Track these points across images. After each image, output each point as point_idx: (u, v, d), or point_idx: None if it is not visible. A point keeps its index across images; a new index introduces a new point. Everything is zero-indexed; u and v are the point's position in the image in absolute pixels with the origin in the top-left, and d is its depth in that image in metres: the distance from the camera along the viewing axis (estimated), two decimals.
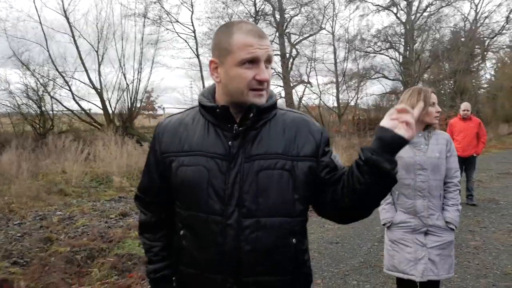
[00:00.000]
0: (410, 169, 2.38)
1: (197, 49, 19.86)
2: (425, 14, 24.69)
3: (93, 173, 9.58)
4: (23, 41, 14.70)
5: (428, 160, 2.36)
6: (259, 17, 21.17)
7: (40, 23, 13.97)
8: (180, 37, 19.60)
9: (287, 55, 22.25)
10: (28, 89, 16.31)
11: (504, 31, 26.01)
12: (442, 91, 26.55)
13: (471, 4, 26.16)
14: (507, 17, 25.24)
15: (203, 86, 20.12)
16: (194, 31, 19.66)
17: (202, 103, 1.24)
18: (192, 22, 19.68)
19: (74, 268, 4.11)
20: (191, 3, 19.15)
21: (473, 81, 26.55)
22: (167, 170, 1.26)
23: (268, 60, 1.17)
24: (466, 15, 26.21)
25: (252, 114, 1.16)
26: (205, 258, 1.20)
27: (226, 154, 1.18)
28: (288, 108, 1.33)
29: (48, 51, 14.51)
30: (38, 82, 15.58)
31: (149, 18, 17.31)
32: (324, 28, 23.00)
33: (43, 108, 16.68)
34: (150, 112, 26.19)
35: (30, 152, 9.69)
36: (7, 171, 8.35)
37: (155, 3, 17.86)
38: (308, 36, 22.58)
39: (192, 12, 19.50)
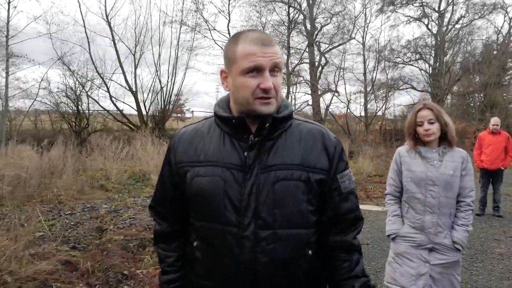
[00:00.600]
0: (421, 184, 2.37)
1: None
2: (457, 26, 24.61)
3: (130, 171, 10.20)
4: (66, 43, 15.64)
5: (441, 177, 2.34)
6: (292, 26, 21.65)
7: (84, 26, 14.87)
8: (217, 44, 20.36)
9: (316, 63, 22.61)
10: (67, 89, 17.32)
11: None
12: (472, 104, 26.33)
13: (504, 17, 25.78)
14: None
15: None
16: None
17: (217, 113, 1.25)
18: (228, 30, 20.41)
19: (129, 254, 4.60)
20: (229, 12, 19.94)
21: (504, 94, 26.20)
22: (181, 181, 1.25)
23: (274, 68, 1.16)
24: (499, 28, 25.98)
25: (267, 124, 1.17)
26: (220, 270, 1.19)
27: (242, 164, 1.18)
28: (304, 119, 1.33)
29: (90, 53, 15.35)
30: (77, 82, 16.48)
31: (187, 25, 18.07)
32: (354, 38, 23.29)
33: (79, 107, 17.65)
34: (179, 114, 27.03)
35: (74, 149, 10.38)
36: (55, 166, 9.04)
37: (195, 11, 18.66)
38: (338, 45, 22.91)
39: (229, 20, 20.32)
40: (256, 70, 1.13)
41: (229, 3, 20.30)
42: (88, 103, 17.82)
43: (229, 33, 20.54)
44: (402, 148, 2.60)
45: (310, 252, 1.21)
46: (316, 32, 22.35)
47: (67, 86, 17.22)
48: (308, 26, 22.18)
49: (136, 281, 3.92)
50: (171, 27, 17.30)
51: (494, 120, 6.96)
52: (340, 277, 1.27)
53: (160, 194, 1.36)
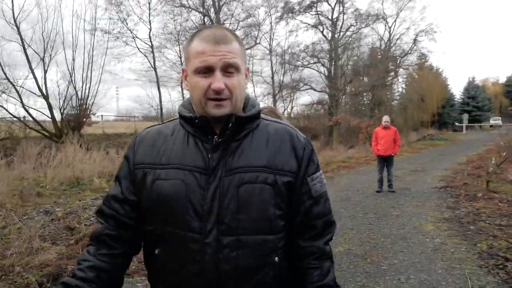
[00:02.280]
0: None
1: (154, 63, 21.56)
2: (348, 33, 28.14)
3: (62, 177, 10.44)
4: None
5: None
6: None
7: None
8: (140, 52, 21.08)
9: None
10: None
11: (412, 51, 30.60)
12: (362, 102, 30.33)
13: (385, 26, 30.15)
14: (414, 39, 29.78)
15: (160, 98, 21.55)
16: (152, 46, 21.34)
17: (181, 113, 1.20)
18: (150, 38, 21.29)
19: None
20: (149, 21, 21.05)
21: (388, 94, 30.67)
22: (140, 183, 1.19)
23: (228, 68, 1.10)
24: (381, 35, 30.36)
25: (230, 124, 1.12)
26: (184, 278, 1.14)
27: (205, 167, 1.12)
28: (273, 119, 1.28)
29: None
30: None
31: (112, 34, 18.30)
32: (259, 43, 25.25)
33: None
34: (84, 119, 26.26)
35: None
36: None
37: (121, 21, 19.03)
38: (245, 49, 24.60)
39: (150, 29, 21.22)
40: (207, 70, 1.09)
41: (149, 12, 20.94)
42: None
43: (150, 41, 21.29)
44: None
45: (277, 259, 1.15)
46: None
47: None
48: None
49: None
50: (94, 35, 17.14)
51: (385, 118, 9.12)
52: (310, 286, 1.20)
53: (113, 193, 1.26)
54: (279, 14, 26.38)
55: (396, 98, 34.18)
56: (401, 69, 32.43)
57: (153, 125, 1.32)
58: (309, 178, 1.20)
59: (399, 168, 12.14)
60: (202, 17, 22.75)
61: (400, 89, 35.82)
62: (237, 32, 23.85)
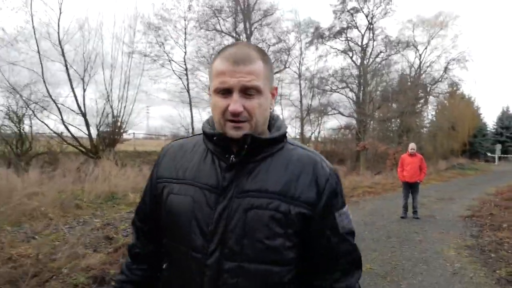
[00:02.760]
0: None
1: (188, 85, 22.59)
2: (377, 59, 28.49)
3: (100, 191, 11.12)
4: (13, 65, 15.92)
5: None
6: None
7: (39, 52, 15.36)
8: (175, 74, 22.32)
9: None
10: (10, 111, 17.39)
11: (442, 79, 30.57)
12: (390, 129, 30.32)
13: (415, 53, 30.33)
14: (445, 67, 29.79)
15: (192, 118, 22.48)
16: (186, 69, 22.44)
17: (204, 129, 1.18)
18: (184, 62, 22.39)
19: None
20: (185, 45, 22.24)
21: (417, 121, 30.57)
22: (158, 197, 1.20)
23: (248, 90, 1.06)
24: (411, 63, 30.54)
25: (246, 145, 1.07)
26: None
27: (217, 186, 1.09)
28: (300, 144, 1.22)
29: (43, 78, 15.82)
30: (25, 105, 16.71)
31: (149, 56, 19.56)
32: (288, 67, 25.91)
33: (21, 130, 17.75)
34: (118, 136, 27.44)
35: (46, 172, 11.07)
36: (31, 186, 9.74)
37: (159, 45, 20.42)
38: (275, 73, 25.31)
39: (185, 53, 22.33)
40: (225, 91, 1.07)
41: (185, 37, 22.10)
42: (31, 126, 17.99)
43: (185, 64, 22.47)
44: None
45: None
46: None
47: (10, 109, 17.32)
48: None
49: None
50: (131, 57, 18.27)
51: (412, 145, 9.35)
52: None
53: (140, 208, 1.32)
54: (309, 39, 27.09)
55: (425, 125, 33.94)
56: (431, 97, 32.34)
57: (179, 139, 1.32)
58: (337, 213, 1.12)
59: (426, 196, 12.22)
60: (235, 41, 23.69)
61: (430, 117, 35.59)
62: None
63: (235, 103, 1.05)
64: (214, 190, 1.10)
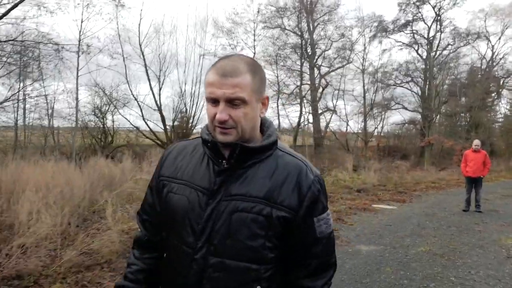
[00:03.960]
0: None
1: None
2: (445, 52, 27.89)
3: None
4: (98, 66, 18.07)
5: None
6: (299, 52, 24.80)
7: (123, 56, 17.33)
8: None
9: (316, 84, 25.47)
10: (95, 108, 19.69)
11: None
12: (458, 124, 29.60)
13: (487, 44, 29.25)
14: None
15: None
16: None
17: (201, 135, 1.28)
18: None
19: None
20: (254, 46, 23.65)
21: (488, 115, 29.51)
22: (160, 193, 1.33)
23: (231, 101, 1.15)
24: (482, 54, 29.49)
25: (236, 153, 1.19)
26: (172, 286, 1.26)
27: (209, 188, 1.21)
28: (290, 151, 1.31)
29: (126, 78, 17.81)
30: (105, 102, 18.90)
31: (215, 56, 21.17)
32: (351, 62, 26.28)
33: (105, 125, 20.02)
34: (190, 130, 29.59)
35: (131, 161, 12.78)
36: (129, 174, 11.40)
37: (229, 46, 22.21)
38: (337, 69, 25.86)
39: (254, 53, 23.60)
40: (213, 100, 1.17)
41: (254, 38, 23.60)
42: (113, 121, 20.24)
43: None
44: None
45: (258, 287, 1.19)
46: (316, 57, 25.30)
47: (95, 106, 19.63)
48: (310, 50, 25.13)
49: None
50: (203, 58, 19.90)
51: (476, 142, 9.80)
52: None
53: (145, 202, 1.44)
54: (372, 33, 27.20)
55: (497, 120, 32.58)
56: (504, 90, 31.00)
57: (183, 140, 1.44)
58: (316, 219, 1.22)
59: (491, 192, 12.44)
60: (300, 39, 24.54)
61: (503, 111, 34.06)
62: (329, 52, 25.20)
63: (221, 113, 1.15)
64: (205, 192, 1.21)
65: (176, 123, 19.64)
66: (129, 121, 19.09)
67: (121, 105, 19.66)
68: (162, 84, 19.10)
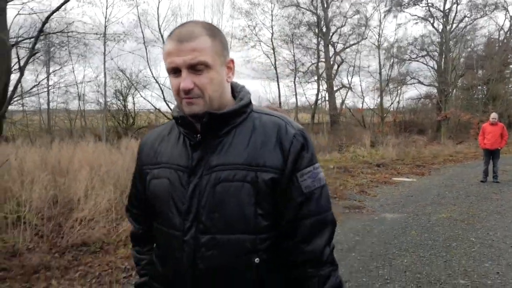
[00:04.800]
0: None
1: (275, 62, 24.84)
2: (461, 25, 27.67)
3: None
4: (120, 51, 18.61)
5: None
6: (314, 29, 25.05)
7: (144, 41, 17.83)
8: (264, 54, 24.89)
9: (331, 62, 25.68)
10: (116, 91, 20.34)
11: None
12: (475, 97, 29.55)
13: (505, 15, 28.90)
14: None
15: (279, 92, 24.42)
16: (273, 48, 24.64)
17: (172, 113, 1.23)
18: (272, 42, 24.45)
19: None
20: (271, 26, 24.73)
21: (506, 87, 29.37)
22: (144, 183, 1.28)
23: (197, 66, 1.07)
24: (500, 26, 29.13)
25: (205, 122, 1.11)
26: (164, 273, 1.22)
27: (188, 165, 1.15)
28: (266, 110, 1.24)
29: (148, 62, 18.37)
30: (129, 85, 19.50)
31: (238, 38, 21.77)
32: (366, 38, 26.32)
33: (126, 108, 20.69)
34: None
35: None
36: None
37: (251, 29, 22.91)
38: (352, 45, 25.99)
39: (272, 33, 24.33)
40: (175, 70, 1.09)
41: (271, 18, 24.16)
42: (134, 103, 20.90)
43: (272, 44, 24.51)
44: None
45: (257, 260, 1.11)
46: (331, 34, 25.42)
47: (116, 89, 20.28)
48: (324, 28, 25.25)
49: None
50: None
51: (493, 115, 10.19)
52: None
53: (132, 195, 1.40)
54: (387, 8, 27.09)
55: None
56: None
57: (158, 126, 1.39)
58: (299, 174, 1.13)
59: (509, 164, 12.81)
60: (315, 17, 24.68)
61: None
62: (344, 29, 25.26)
63: (184, 81, 1.07)
64: (185, 170, 1.15)
65: None
66: (150, 102, 19.76)
67: (141, 88, 20.30)
68: None
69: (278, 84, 24.70)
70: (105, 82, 17.65)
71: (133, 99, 21.14)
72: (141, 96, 20.00)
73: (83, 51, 15.50)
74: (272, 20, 23.95)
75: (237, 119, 1.17)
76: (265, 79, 25.33)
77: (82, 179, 6.24)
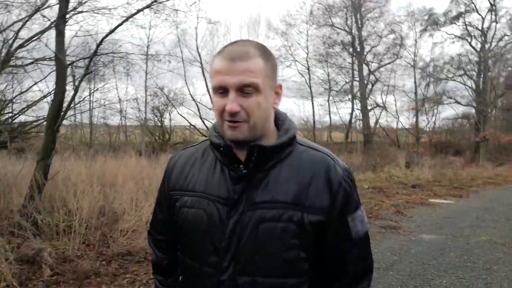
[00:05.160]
0: None
1: (309, 81, 25.06)
2: (500, 44, 27.09)
3: None
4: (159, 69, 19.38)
5: None
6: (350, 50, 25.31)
7: (182, 59, 18.55)
8: (300, 73, 25.23)
9: (366, 81, 25.64)
10: (154, 108, 21.08)
11: None
12: None
13: None
14: None
15: (313, 111, 24.59)
16: (308, 68, 25.00)
17: (210, 138, 1.16)
18: (307, 62, 24.94)
19: None
20: (307, 46, 24.96)
21: None
22: (172, 209, 1.19)
23: (246, 88, 1.02)
24: None
25: (255, 155, 1.05)
26: None
27: (228, 198, 1.08)
28: (312, 144, 1.17)
29: (185, 80, 19.08)
30: (167, 102, 20.21)
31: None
32: (401, 57, 26.18)
33: (163, 124, 21.39)
34: None
35: None
36: None
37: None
38: (386, 64, 25.91)
39: (307, 53, 24.86)
40: (222, 89, 1.03)
41: (307, 39, 24.75)
42: (170, 120, 21.58)
43: (307, 63, 24.99)
44: None
45: None
46: (366, 53, 25.48)
47: (154, 107, 21.05)
48: (358, 47, 25.35)
49: None
50: None
51: None
52: None
53: (155, 219, 1.32)
54: (423, 27, 26.92)
55: None
56: None
57: (188, 147, 1.29)
58: (349, 218, 1.10)
59: None
60: (350, 36, 24.93)
61: None
62: (378, 48, 25.27)
63: (232, 102, 1.01)
64: (225, 203, 1.08)
65: None
66: (186, 119, 20.32)
67: (178, 104, 20.98)
68: None
69: (313, 103, 24.97)
70: (146, 100, 18.38)
71: (170, 115, 21.83)
72: (178, 113, 20.51)
73: (127, 69, 16.29)
74: (307, 41, 24.27)
75: (284, 152, 1.11)
76: (299, 97, 25.60)
77: (127, 192, 6.59)
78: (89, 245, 5.28)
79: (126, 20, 6.54)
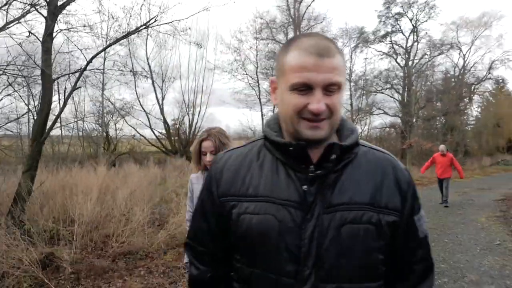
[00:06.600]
0: None
1: (259, 94, 26.32)
2: (422, 61, 30.46)
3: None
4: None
5: None
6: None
7: (133, 70, 18.95)
8: (251, 87, 26.35)
9: None
10: (98, 117, 21.18)
11: (486, 79, 32.23)
12: (435, 126, 32.30)
13: (459, 54, 32.04)
14: (489, 67, 31.46)
15: (262, 121, 25.32)
16: (257, 81, 26.21)
17: (269, 137, 1.10)
18: (256, 75, 26.22)
19: None
20: (256, 61, 26.25)
21: (461, 119, 32.36)
22: (226, 216, 1.10)
23: (330, 87, 0.98)
24: (455, 63, 32.34)
25: (334, 156, 1.02)
26: None
27: (301, 201, 1.02)
28: (371, 145, 1.15)
29: (136, 91, 19.56)
30: (113, 111, 20.50)
31: (226, 71, 23.79)
32: None
33: (108, 134, 21.54)
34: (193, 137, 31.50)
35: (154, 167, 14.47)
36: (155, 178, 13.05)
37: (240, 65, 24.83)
38: None
39: (257, 67, 26.11)
40: (306, 87, 0.98)
41: (256, 54, 26.18)
42: (116, 130, 21.80)
43: (257, 77, 26.27)
44: (194, 175, 2.71)
45: None
46: None
47: (98, 114, 21.15)
48: None
49: None
50: (214, 73, 22.59)
51: (441, 147, 11.33)
52: None
53: (200, 230, 1.20)
54: (354, 44, 29.58)
55: (470, 123, 35.56)
56: (475, 96, 33.93)
57: (233, 148, 1.21)
58: (416, 218, 1.10)
59: (468, 187, 14.88)
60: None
61: (474, 114, 37.13)
62: None
63: (319, 102, 0.97)
64: (298, 207, 1.02)
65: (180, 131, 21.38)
66: (135, 129, 20.74)
67: (124, 114, 21.29)
68: (165, 94, 20.92)
69: (262, 113, 26.37)
70: (103, 111, 18.50)
71: (115, 125, 22.02)
72: (126, 123, 20.86)
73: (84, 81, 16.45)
74: (257, 55, 25.95)
75: (353, 152, 1.08)
76: (248, 108, 27.01)
77: (121, 199, 7.28)
78: (86, 249, 5.86)
79: (116, 41, 7.26)
